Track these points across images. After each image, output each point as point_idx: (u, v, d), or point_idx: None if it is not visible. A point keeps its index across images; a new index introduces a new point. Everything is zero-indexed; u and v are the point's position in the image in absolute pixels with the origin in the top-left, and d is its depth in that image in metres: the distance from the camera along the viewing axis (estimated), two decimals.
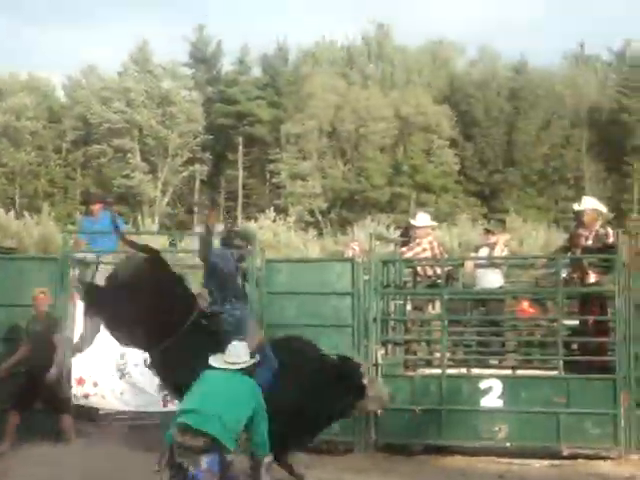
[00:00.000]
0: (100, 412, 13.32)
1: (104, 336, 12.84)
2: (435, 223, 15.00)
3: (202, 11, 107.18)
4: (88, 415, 13.30)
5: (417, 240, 14.08)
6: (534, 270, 14.63)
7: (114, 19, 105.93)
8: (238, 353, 8.10)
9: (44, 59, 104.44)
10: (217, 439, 7.33)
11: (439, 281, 13.18)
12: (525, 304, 14.63)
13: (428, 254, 13.88)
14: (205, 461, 7.29)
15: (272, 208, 56.50)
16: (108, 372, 12.90)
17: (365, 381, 9.61)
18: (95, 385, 12.87)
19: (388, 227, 48.79)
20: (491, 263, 13.92)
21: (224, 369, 7.96)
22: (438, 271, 13.44)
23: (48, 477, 9.98)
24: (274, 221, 51.74)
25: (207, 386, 7.84)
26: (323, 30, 75.45)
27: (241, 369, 7.99)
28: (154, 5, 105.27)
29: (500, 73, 69.99)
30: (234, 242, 11.06)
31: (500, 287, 13.92)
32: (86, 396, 12.88)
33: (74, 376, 12.80)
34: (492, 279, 13.82)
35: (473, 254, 15.13)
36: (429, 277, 13.77)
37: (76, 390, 12.81)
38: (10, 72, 68.91)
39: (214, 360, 8.06)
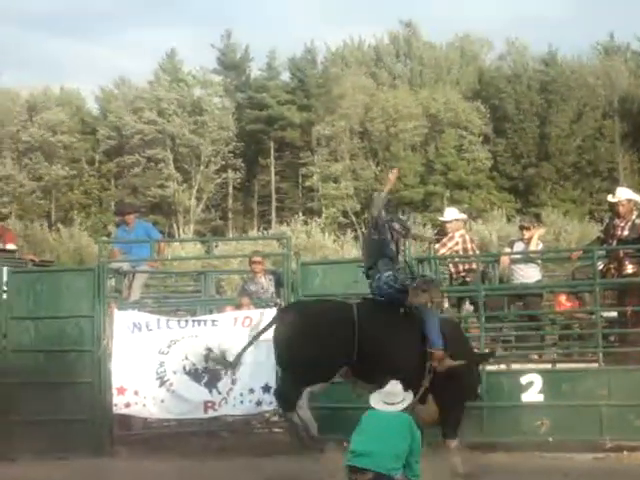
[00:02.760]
0: (147, 420, 13.39)
1: (142, 344, 13.00)
2: (464, 215, 14.95)
3: (228, 17, 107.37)
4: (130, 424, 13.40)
5: (449, 235, 14.09)
6: (570, 264, 14.51)
7: (140, 29, 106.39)
8: (395, 392, 8.49)
9: (74, 71, 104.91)
10: (380, 473, 7.99)
11: (467, 279, 13.18)
12: (562, 298, 14.54)
13: (460, 247, 13.87)
14: None
15: (302, 211, 56.52)
16: (148, 380, 12.88)
17: None
18: (136, 394, 12.84)
19: (423, 226, 48.71)
20: (527, 257, 13.86)
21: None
22: (467, 266, 13.45)
23: None
24: (306, 223, 51.72)
25: (368, 426, 8.35)
26: (350, 31, 75.01)
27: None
28: (179, 13, 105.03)
29: (529, 66, 69.53)
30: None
31: (537, 281, 13.85)
32: (127, 405, 12.88)
33: (115, 385, 12.84)
34: (529, 274, 13.74)
35: (508, 249, 15.05)
36: (458, 273, 13.76)
37: (117, 399, 12.83)
38: (44, 86, 69.42)
39: (374, 401, 8.49)
